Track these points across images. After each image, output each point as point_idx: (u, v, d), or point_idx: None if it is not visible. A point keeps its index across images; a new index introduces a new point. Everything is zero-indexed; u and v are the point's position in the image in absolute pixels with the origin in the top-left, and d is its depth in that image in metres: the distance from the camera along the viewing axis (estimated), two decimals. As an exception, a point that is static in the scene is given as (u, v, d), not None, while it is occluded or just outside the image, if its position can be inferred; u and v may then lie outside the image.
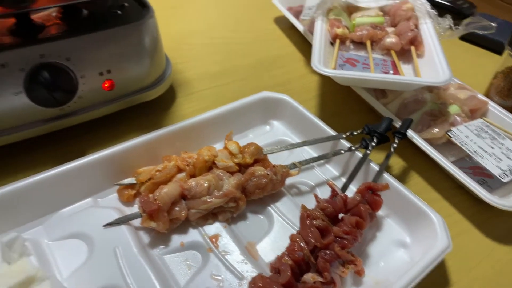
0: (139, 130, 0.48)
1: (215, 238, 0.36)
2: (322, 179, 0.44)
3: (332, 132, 0.45)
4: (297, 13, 0.73)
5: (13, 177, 0.41)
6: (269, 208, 0.40)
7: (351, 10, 0.62)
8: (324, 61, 0.50)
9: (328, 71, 0.47)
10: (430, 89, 0.53)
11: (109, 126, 0.48)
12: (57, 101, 0.40)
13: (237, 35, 0.72)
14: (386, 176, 0.41)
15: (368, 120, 0.54)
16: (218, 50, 0.67)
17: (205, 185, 0.37)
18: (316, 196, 0.37)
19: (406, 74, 0.52)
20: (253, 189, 0.38)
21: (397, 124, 0.47)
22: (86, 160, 0.38)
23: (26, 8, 0.38)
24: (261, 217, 0.39)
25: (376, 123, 0.44)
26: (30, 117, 0.40)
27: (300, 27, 0.68)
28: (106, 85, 0.43)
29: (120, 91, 0.45)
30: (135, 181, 0.39)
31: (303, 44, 0.70)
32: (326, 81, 0.61)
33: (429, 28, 0.56)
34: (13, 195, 0.35)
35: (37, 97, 0.39)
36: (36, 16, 0.43)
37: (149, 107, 0.51)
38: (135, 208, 0.38)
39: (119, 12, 0.46)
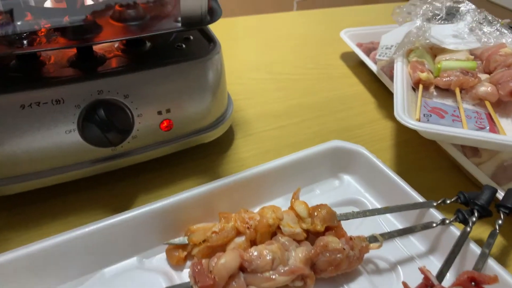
0: (194, 174, 0.43)
1: (277, 325, 0.30)
2: (405, 254, 0.36)
3: (418, 197, 0.38)
4: (367, 50, 0.67)
5: (59, 220, 0.37)
6: (342, 289, 0.33)
7: (435, 51, 0.55)
8: (407, 109, 0.44)
9: (417, 125, 0.40)
10: (533, 149, 0.44)
11: (162, 169, 0.43)
12: (110, 141, 0.36)
13: (300, 71, 0.67)
14: (491, 262, 0.32)
15: (453, 180, 0.46)
16: (280, 86, 0.62)
17: (269, 258, 0.31)
18: (405, 286, 0.30)
19: (507, 131, 0.44)
20: (325, 266, 0.32)
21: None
22: (134, 213, 0.33)
23: (89, 42, 0.35)
24: (332, 299, 0.33)
25: (463, 184, 0.36)
26: (80, 157, 0.37)
27: (372, 65, 0.62)
28: (164, 125, 0.39)
29: (178, 132, 0.41)
30: (187, 241, 0.34)
31: (374, 84, 0.64)
32: (401, 129, 0.54)
33: (532, 77, 0.48)
34: (53, 250, 0.30)
35: (90, 136, 0.36)
36: (98, 47, 0.40)
37: (205, 148, 0.46)
38: (185, 273, 0.33)
39: (183, 45, 0.42)
